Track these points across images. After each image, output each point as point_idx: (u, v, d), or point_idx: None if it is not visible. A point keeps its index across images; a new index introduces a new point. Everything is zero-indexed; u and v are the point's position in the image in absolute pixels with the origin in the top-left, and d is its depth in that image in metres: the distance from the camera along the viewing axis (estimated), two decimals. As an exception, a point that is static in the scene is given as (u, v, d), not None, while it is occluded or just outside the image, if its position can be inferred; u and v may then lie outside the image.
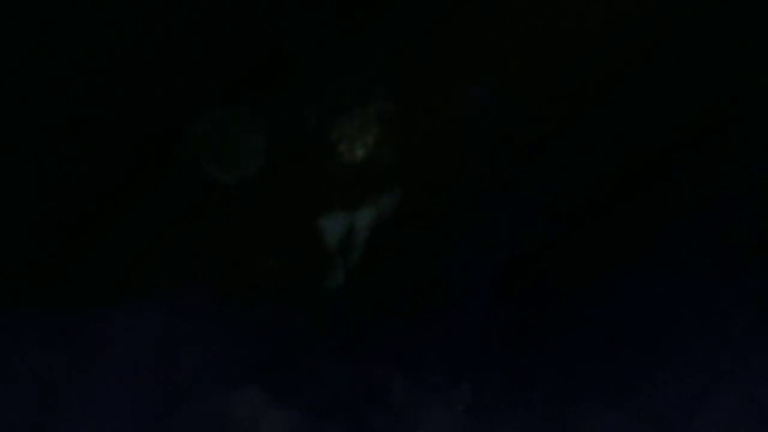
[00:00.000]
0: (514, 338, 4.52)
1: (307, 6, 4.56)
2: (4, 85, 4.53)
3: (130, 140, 4.54)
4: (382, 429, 4.36)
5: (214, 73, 4.54)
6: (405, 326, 4.53)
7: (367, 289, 4.54)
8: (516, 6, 4.58)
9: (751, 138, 4.66)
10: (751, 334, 4.49)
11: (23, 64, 4.56)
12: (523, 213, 4.63)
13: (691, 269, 4.57)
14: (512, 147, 4.60)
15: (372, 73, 4.54)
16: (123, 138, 4.53)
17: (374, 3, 4.56)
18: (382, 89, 4.54)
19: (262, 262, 4.55)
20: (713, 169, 4.65)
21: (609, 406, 4.38)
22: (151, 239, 4.57)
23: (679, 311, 4.53)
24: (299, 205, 4.58)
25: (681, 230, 4.62)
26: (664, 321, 4.54)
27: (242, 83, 4.51)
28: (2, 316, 4.41)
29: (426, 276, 4.58)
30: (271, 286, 4.53)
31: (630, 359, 4.49)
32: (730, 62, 4.66)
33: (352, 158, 4.53)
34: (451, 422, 4.41)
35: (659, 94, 4.64)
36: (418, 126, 4.56)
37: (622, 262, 4.60)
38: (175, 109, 4.53)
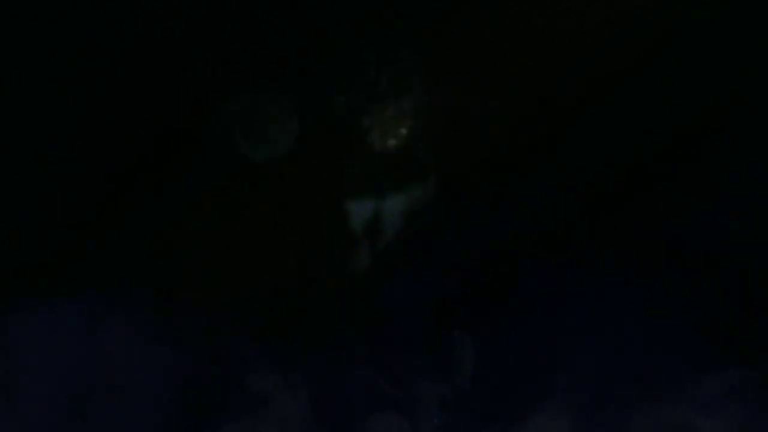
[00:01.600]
0: (493, 344, 4.66)
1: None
2: (21, 51, 4.54)
3: (166, 114, 4.57)
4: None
5: (251, 56, 4.57)
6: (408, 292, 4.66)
7: (391, 277, 4.66)
8: (516, 6, 4.65)
9: (751, 138, 4.72)
10: (755, 332, 4.57)
11: (48, 36, 4.56)
12: (520, 208, 4.74)
13: (671, 274, 4.65)
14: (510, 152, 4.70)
15: (410, 64, 4.61)
16: (158, 112, 4.56)
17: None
18: (419, 81, 4.62)
19: (289, 241, 4.64)
20: (713, 169, 4.72)
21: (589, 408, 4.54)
22: (180, 208, 4.65)
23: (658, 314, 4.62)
24: (328, 188, 4.67)
25: (685, 232, 4.70)
26: (670, 322, 4.66)
27: (278, 67, 4.56)
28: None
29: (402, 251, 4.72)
30: (295, 265, 4.63)
31: (634, 361, 4.61)
32: (730, 62, 4.71)
33: (384, 147, 4.62)
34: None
35: (659, 94, 4.71)
36: (452, 120, 4.66)
37: (602, 268, 4.66)
38: (210, 87, 4.57)
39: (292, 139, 4.62)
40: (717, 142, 4.71)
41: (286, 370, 4.43)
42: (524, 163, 4.72)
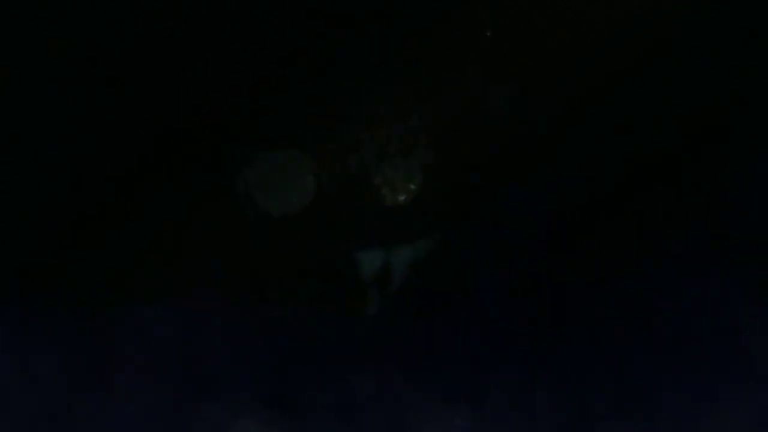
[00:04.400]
0: (521, 343, 4.85)
1: (358, 60, 4.95)
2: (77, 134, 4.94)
3: (196, 173, 4.95)
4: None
5: (275, 120, 4.95)
6: (414, 331, 4.93)
7: (400, 319, 4.99)
8: (518, 8, 4.83)
9: (752, 138, 4.83)
10: (757, 335, 4.67)
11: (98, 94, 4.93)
12: (531, 217, 4.94)
13: (697, 270, 4.75)
14: (500, 166, 4.89)
15: (418, 124, 4.95)
16: (190, 171, 4.95)
17: (422, 60, 4.96)
18: (426, 140, 4.97)
19: (301, 288, 4.99)
20: (715, 168, 4.83)
21: (616, 410, 4.63)
22: (199, 260, 5.01)
23: (686, 313, 4.70)
24: (338, 241, 5.02)
25: (687, 230, 4.81)
26: (672, 323, 4.73)
27: (297, 129, 4.92)
28: (22, 318, 4.75)
29: (439, 282, 4.96)
30: (308, 309, 4.97)
31: (638, 363, 4.70)
32: (730, 62, 4.81)
33: (394, 202, 4.97)
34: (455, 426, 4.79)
35: (659, 95, 4.86)
36: (458, 174, 4.99)
37: (629, 263, 4.84)
38: (237, 149, 4.95)
39: (309, 195, 4.99)
40: (718, 142, 4.84)
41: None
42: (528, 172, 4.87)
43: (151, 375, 4.87)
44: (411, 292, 5.02)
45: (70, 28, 4.92)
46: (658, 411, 4.68)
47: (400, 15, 4.89)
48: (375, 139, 4.98)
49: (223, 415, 4.81)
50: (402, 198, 4.96)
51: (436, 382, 4.92)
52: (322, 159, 4.98)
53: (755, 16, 4.82)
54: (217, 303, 4.98)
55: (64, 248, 4.92)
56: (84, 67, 4.92)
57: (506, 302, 4.95)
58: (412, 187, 4.96)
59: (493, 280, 4.96)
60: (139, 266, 4.96)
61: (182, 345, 4.92)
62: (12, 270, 4.90)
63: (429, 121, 4.98)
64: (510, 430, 4.81)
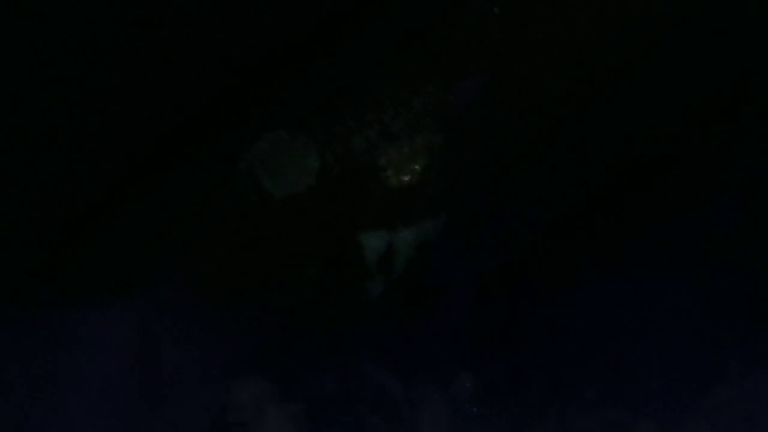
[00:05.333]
0: (502, 340, 4.83)
1: (364, 41, 4.95)
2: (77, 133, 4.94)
3: (198, 153, 4.93)
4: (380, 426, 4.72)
5: (278, 99, 4.94)
6: (396, 327, 4.88)
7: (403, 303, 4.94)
8: (516, 8, 4.86)
9: (751, 138, 4.86)
10: (739, 333, 4.70)
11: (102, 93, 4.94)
12: (509, 216, 4.94)
13: (675, 271, 4.80)
14: (503, 151, 4.90)
15: (422, 105, 4.93)
16: (191, 151, 4.93)
17: (427, 42, 4.96)
18: (431, 121, 4.94)
19: (304, 270, 4.95)
20: (707, 171, 4.89)
21: (597, 404, 4.64)
22: (199, 241, 4.97)
23: (664, 313, 4.73)
24: (343, 222, 4.98)
25: (666, 232, 4.89)
26: (648, 323, 4.77)
27: (302, 110, 4.90)
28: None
29: (414, 280, 4.93)
30: (311, 293, 4.93)
31: (614, 359, 4.73)
32: (730, 61, 4.84)
33: (399, 183, 4.94)
34: (447, 419, 4.73)
35: (657, 95, 4.87)
36: (465, 156, 4.96)
37: (606, 264, 4.85)
38: (239, 128, 4.94)
39: (313, 176, 4.95)
40: (715, 144, 4.87)
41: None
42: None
43: (147, 366, 4.83)
44: (415, 276, 4.98)
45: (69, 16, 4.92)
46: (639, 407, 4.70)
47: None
48: (379, 119, 4.96)
49: (224, 404, 4.76)
50: (406, 179, 4.93)
51: (432, 374, 4.88)
52: (327, 139, 4.95)
53: (756, 16, 4.87)
54: (218, 289, 4.94)
55: (64, 243, 4.89)
56: (83, 51, 4.91)
57: (500, 292, 4.93)
58: (417, 168, 4.93)
59: (488, 267, 4.93)
60: (146, 250, 4.92)
61: (182, 332, 4.87)
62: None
63: (434, 103, 4.96)
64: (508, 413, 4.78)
